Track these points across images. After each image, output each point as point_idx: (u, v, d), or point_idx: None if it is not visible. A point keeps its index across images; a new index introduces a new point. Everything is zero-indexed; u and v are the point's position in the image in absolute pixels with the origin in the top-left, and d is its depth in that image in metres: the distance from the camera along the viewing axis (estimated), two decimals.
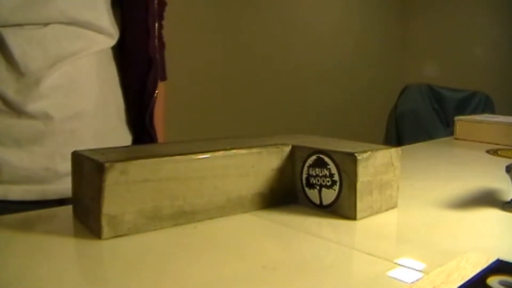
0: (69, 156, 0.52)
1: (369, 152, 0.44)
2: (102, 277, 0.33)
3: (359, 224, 0.43)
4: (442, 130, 2.59)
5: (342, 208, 0.45)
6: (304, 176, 0.48)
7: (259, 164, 0.46)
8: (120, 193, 0.38)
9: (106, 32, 0.67)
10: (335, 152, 0.45)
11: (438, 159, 0.86)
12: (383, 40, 3.65)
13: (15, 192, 0.58)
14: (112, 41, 0.68)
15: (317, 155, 0.46)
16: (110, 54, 0.70)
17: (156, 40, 0.74)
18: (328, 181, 0.45)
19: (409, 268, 0.34)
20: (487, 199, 0.53)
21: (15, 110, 0.57)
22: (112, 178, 0.37)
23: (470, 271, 0.31)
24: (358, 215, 0.44)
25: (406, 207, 0.49)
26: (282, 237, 0.41)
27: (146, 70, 0.72)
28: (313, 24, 3.11)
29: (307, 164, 0.47)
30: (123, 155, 0.40)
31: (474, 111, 2.68)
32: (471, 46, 3.41)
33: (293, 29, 2.99)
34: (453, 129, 1.07)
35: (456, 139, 1.05)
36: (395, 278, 0.32)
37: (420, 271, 0.33)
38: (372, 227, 0.43)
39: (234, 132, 2.05)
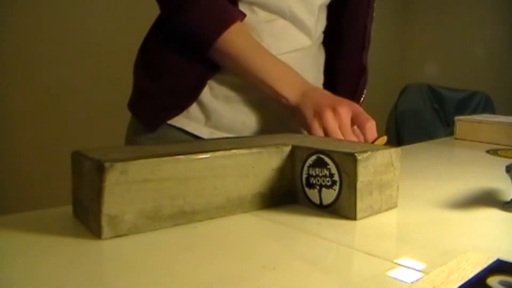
0: (263, 118, 0.77)
1: (369, 152, 0.44)
2: (102, 277, 0.33)
3: (359, 224, 0.43)
4: (442, 130, 2.59)
5: (342, 208, 0.45)
6: (304, 176, 0.48)
7: (259, 164, 0.46)
8: (120, 193, 0.38)
9: (310, 34, 0.80)
10: (335, 152, 0.45)
11: (438, 159, 0.86)
12: (383, 40, 3.65)
13: (217, 136, 0.76)
14: (310, 42, 0.81)
15: (317, 155, 0.46)
16: (308, 54, 0.82)
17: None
18: (328, 181, 0.45)
19: (409, 268, 0.34)
20: (487, 199, 0.53)
21: (231, 76, 0.74)
22: (112, 178, 0.37)
23: (470, 271, 0.31)
24: (358, 215, 0.44)
25: (406, 207, 0.49)
26: (282, 237, 0.41)
27: (358, 77, 0.91)
28: None
29: (307, 164, 0.47)
30: (123, 155, 0.40)
31: (474, 111, 2.68)
32: (471, 46, 3.41)
33: None
34: (453, 129, 1.07)
35: (456, 139, 1.05)
36: (395, 278, 0.32)
37: (420, 271, 0.33)
38: (372, 227, 0.43)
39: None
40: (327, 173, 0.45)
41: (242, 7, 0.73)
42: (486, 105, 2.80)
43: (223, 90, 0.75)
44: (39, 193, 1.82)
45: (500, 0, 3.32)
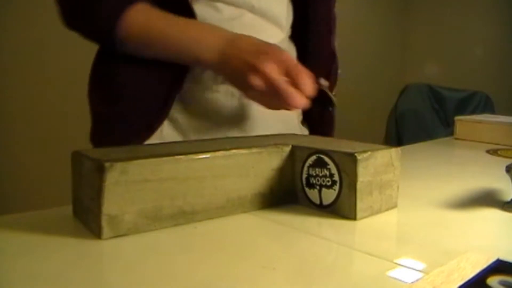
0: (243, 129, 0.69)
1: (369, 152, 0.44)
2: (102, 277, 0.33)
3: (359, 224, 0.43)
4: (442, 130, 2.59)
5: (342, 208, 0.45)
6: (304, 176, 0.48)
7: (259, 164, 0.46)
8: (120, 193, 0.38)
9: (281, 26, 0.75)
10: (335, 152, 0.45)
11: (438, 159, 0.86)
12: (383, 40, 3.65)
13: None
14: (282, 35, 0.76)
15: (317, 155, 0.46)
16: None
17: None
18: (328, 181, 0.45)
19: (409, 268, 0.34)
20: (487, 199, 0.53)
21: (206, 85, 0.68)
22: (112, 178, 0.37)
23: (470, 271, 0.31)
24: (358, 215, 0.44)
25: (406, 207, 0.49)
26: (282, 237, 0.41)
27: (330, 63, 0.83)
28: None
29: (307, 164, 0.47)
30: (123, 155, 0.40)
31: (474, 111, 2.68)
32: (471, 46, 3.41)
33: None
34: (453, 129, 1.07)
35: (456, 139, 1.05)
36: (395, 278, 0.32)
37: (420, 271, 0.33)
38: (372, 227, 0.43)
39: None
40: (327, 173, 0.45)
41: (203, 6, 0.67)
42: (486, 105, 2.80)
43: (200, 106, 0.68)
44: (39, 193, 1.81)
45: (500, 0, 3.32)
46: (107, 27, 0.63)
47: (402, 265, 0.34)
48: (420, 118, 2.76)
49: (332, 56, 0.83)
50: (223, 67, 0.61)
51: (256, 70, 0.57)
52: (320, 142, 0.52)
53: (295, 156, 0.48)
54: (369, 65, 3.48)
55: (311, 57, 0.80)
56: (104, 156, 0.39)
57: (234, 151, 0.44)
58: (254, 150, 0.46)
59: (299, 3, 0.79)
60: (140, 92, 0.67)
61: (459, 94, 2.87)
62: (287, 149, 0.48)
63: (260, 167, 0.46)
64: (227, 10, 0.68)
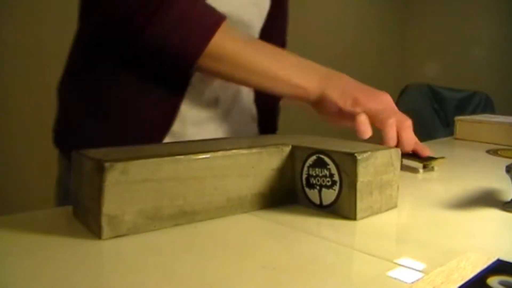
0: (231, 132, 0.75)
1: (369, 152, 0.44)
2: (102, 277, 0.33)
3: (359, 224, 0.43)
4: (442, 130, 2.59)
5: (342, 208, 0.45)
6: (304, 176, 0.48)
7: (259, 164, 0.46)
8: (120, 193, 0.38)
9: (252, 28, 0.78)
10: (335, 152, 0.45)
11: None
12: (383, 40, 3.65)
13: None
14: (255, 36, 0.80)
15: (317, 155, 0.46)
16: None
17: None
18: (328, 181, 0.45)
19: (409, 268, 0.34)
20: (487, 199, 0.53)
21: (195, 95, 0.68)
22: (112, 178, 0.37)
23: (470, 271, 0.31)
24: (358, 215, 0.44)
25: (406, 207, 0.49)
26: (282, 237, 0.41)
27: None
28: (312, 24, 3.11)
29: (307, 164, 0.47)
30: (123, 155, 0.40)
31: (474, 111, 2.68)
32: (471, 46, 3.41)
33: (292, 29, 2.99)
34: (453, 129, 1.07)
35: (456, 139, 1.05)
36: (395, 278, 0.32)
37: (420, 271, 0.33)
38: (372, 227, 0.43)
39: None
40: (327, 173, 0.45)
41: None
42: (486, 105, 2.80)
43: (191, 113, 0.68)
44: (39, 193, 1.82)
45: (500, 0, 3.32)
46: (194, 51, 0.59)
47: (402, 265, 0.34)
48: (420, 118, 2.76)
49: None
50: (327, 90, 0.64)
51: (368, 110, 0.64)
52: (320, 142, 0.52)
53: (295, 156, 0.48)
54: (369, 65, 3.48)
55: None
56: (104, 156, 0.39)
57: (234, 151, 0.44)
58: (254, 150, 0.46)
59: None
60: (144, 107, 0.65)
61: (459, 94, 2.87)
62: (287, 149, 0.48)
63: (260, 167, 0.46)
64: None
